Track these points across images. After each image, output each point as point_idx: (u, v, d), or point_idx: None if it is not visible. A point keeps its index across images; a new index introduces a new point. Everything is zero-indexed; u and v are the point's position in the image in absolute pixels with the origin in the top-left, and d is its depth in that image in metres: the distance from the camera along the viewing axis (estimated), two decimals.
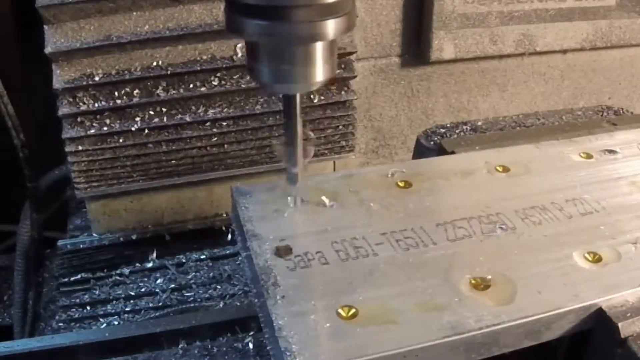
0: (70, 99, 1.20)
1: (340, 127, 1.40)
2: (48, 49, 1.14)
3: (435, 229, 0.82)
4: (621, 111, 1.37)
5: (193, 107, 1.26)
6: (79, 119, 1.21)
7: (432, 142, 1.24)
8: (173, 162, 1.32)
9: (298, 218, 0.84)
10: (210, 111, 1.27)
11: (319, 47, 0.76)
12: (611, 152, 1.01)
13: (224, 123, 1.29)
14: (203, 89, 1.24)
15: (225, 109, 1.28)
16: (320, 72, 0.78)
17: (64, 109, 1.19)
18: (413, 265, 0.75)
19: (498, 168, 0.95)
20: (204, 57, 1.23)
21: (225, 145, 1.32)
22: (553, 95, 1.71)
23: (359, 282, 0.72)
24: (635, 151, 1.03)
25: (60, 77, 1.17)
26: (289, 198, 0.87)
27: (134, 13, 1.17)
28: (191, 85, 1.24)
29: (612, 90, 1.76)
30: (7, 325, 1.56)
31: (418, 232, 0.81)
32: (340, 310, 0.68)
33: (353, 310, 0.68)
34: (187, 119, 1.26)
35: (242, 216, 0.82)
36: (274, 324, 0.66)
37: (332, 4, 0.72)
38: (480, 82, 1.63)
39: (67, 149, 1.23)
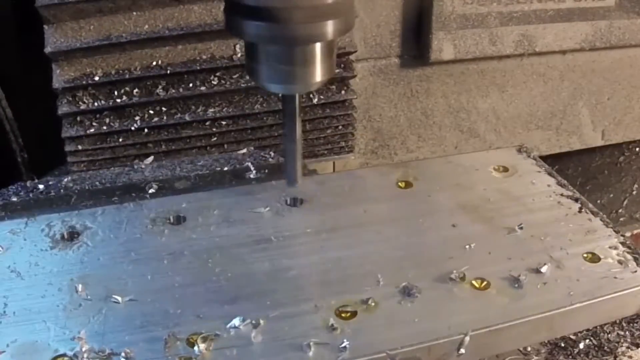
0: (70, 98, 1.20)
1: (340, 127, 1.40)
2: (48, 49, 1.14)
3: None
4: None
5: (193, 107, 1.26)
6: (78, 118, 1.22)
7: None
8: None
9: None
10: (210, 110, 1.27)
11: (318, 48, 0.76)
12: (73, 235, 0.82)
13: (224, 122, 1.29)
14: (203, 88, 1.25)
15: (225, 108, 1.28)
16: (319, 72, 0.78)
17: (63, 108, 1.20)
18: None
19: None
20: (204, 57, 1.23)
21: (225, 145, 1.32)
22: (552, 95, 1.72)
23: None
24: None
25: (60, 76, 1.17)
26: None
27: (134, 13, 1.17)
28: (191, 85, 1.24)
29: (611, 90, 1.77)
30: None
31: None
32: None
33: None
34: (187, 118, 1.26)
35: None
36: None
37: (330, 5, 0.72)
38: (479, 83, 1.63)
39: (67, 148, 1.23)
